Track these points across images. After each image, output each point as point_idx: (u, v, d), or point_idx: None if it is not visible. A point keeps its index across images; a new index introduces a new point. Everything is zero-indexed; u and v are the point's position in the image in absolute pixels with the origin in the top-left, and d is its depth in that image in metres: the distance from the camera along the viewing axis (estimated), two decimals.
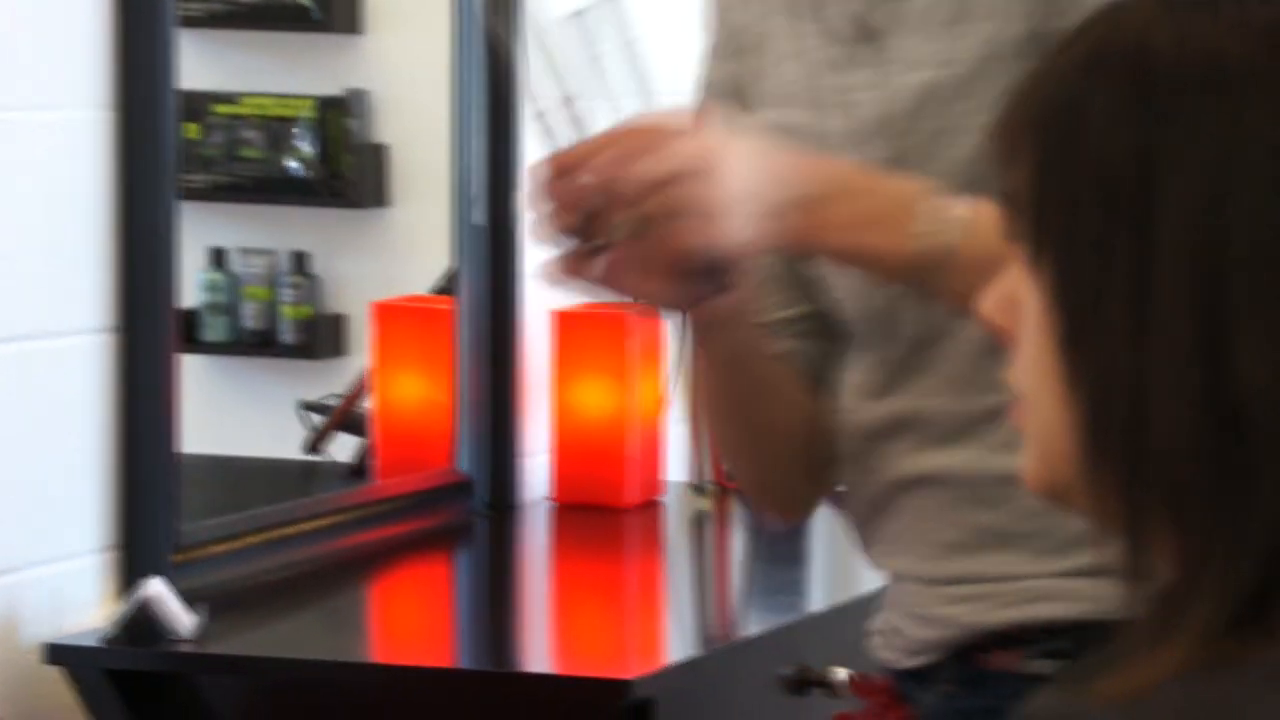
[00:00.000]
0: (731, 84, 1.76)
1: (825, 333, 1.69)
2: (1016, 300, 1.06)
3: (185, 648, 2.48)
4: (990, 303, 1.10)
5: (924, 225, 1.52)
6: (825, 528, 3.14)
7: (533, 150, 3.04)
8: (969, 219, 1.51)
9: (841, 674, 2.54)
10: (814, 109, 1.64)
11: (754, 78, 1.74)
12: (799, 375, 1.70)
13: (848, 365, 1.66)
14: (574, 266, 1.51)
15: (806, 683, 2.62)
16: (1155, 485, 1.00)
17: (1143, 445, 1.00)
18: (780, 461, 1.72)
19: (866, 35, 1.64)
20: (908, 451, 1.62)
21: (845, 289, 1.65)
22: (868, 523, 1.73)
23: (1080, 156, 1.02)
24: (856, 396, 1.65)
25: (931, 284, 1.53)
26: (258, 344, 3.48)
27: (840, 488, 1.88)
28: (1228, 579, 0.97)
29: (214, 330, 3.45)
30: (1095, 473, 1.02)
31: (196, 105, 3.34)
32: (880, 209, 1.55)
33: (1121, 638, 1.01)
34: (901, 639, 1.69)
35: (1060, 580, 1.58)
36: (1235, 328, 0.98)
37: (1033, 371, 1.05)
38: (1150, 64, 1.01)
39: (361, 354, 3.29)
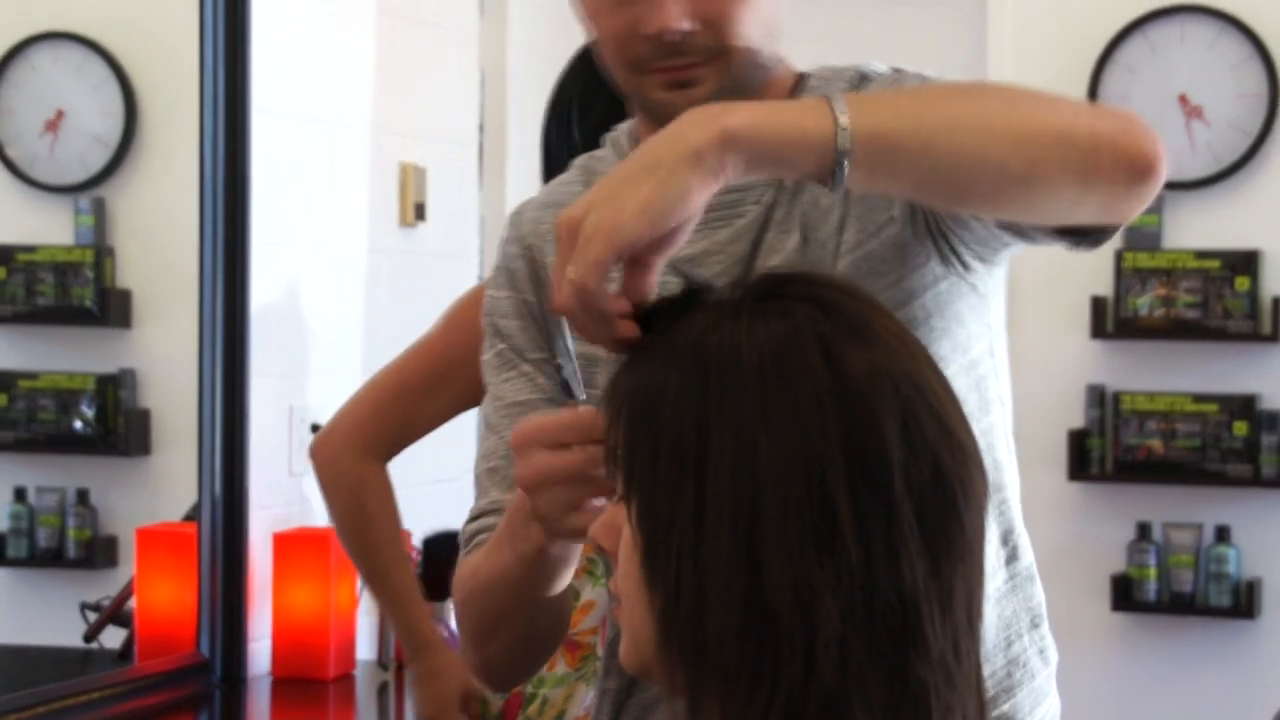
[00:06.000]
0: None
1: None
2: (616, 526, 1.16)
3: None
4: (596, 528, 1.19)
5: (844, 108, 1.24)
6: None
7: (258, 411, 3.51)
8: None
9: None
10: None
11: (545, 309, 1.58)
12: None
13: None
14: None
15: None
16: (710, 664, 1.07)
17: (700, 634, 1.07)
18: (530, 652, 1.57)
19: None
20: None
21: None
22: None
23: (658, 424, 1.10)
24: None
25: (873, 166, 1.25)
26: (50, 559, 3.51)
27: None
28: None
29: (16, 549, 3.48)
30: (667, 654, 1.09)
31: (5, 381, 3.49)
32: (782, 106, 1.27)
33: None
34: None
35: None
36: (765, 547, 1.06)
37: (626, 579, 1.13)
38: (706, 360, 1.11)
39: (129, 566, 3.45)
